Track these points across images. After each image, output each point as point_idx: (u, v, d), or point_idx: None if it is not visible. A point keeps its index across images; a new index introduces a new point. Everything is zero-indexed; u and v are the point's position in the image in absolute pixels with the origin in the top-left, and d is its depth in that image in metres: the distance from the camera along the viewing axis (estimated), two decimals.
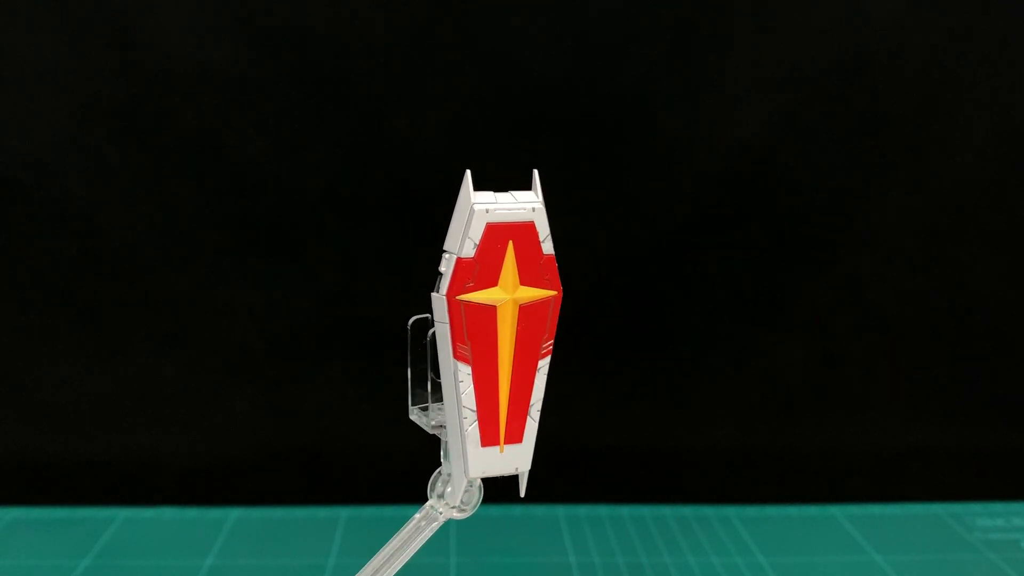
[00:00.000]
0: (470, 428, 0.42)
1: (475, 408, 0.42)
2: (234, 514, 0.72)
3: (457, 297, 0.41)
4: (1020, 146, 0.84)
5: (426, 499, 0.46)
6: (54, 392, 0.82)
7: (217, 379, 0.83)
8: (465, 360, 0.41)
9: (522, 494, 0.45)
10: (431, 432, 0.45)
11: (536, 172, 0.42)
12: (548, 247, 0.43)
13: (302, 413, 0.83)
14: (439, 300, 0.41)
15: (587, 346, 0.85)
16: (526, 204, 0.42)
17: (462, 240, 0.41)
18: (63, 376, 0.82)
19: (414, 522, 0.46)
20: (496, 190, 0.43)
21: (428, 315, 0.44)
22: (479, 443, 0.43)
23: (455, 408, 0.42)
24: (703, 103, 0.81)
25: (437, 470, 0.46)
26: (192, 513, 0.73)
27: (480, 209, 0.41)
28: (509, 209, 0.41)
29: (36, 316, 0.82)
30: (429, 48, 0.80)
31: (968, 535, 0.70)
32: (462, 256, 0.41)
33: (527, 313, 0.42)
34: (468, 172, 0.41)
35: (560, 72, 0.80)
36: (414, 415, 0.45)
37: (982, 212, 0.85)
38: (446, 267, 0.41)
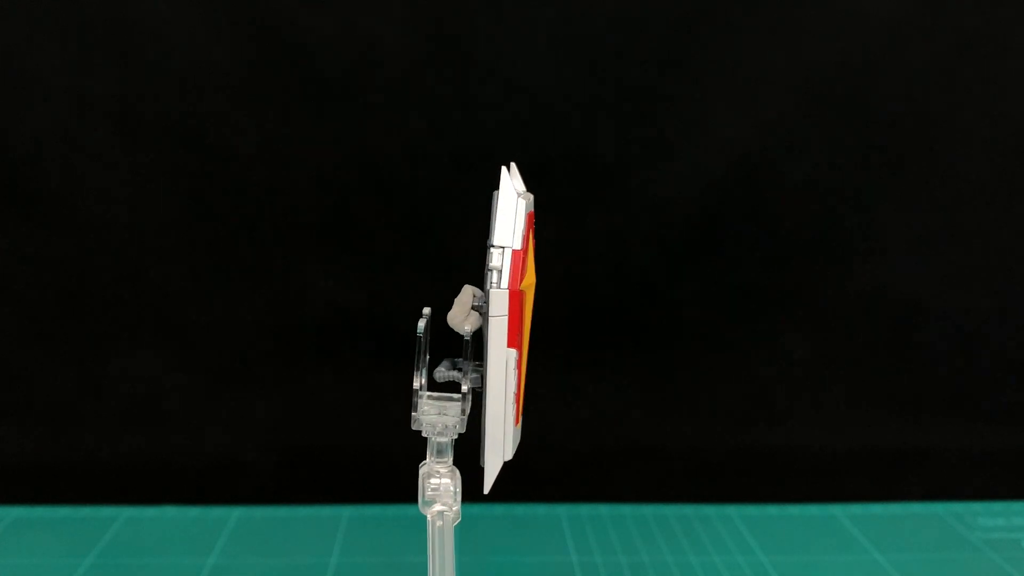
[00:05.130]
0: (511, 412, 0.44)
1: (516, 391, 0.44)
2: (236, 513, 0.72)
3: (519, 287, 0.42)
4: (1021, 147, 0.84)
5: None
6: (55, 391, 0.82)
7: (219, 378, 0.83)
8: (516, 347, 0.43)
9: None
10: (428, 433, 0.46)
11: (513, 164, 0.43)
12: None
13: (304, 412, 0.83)
14: (500, 294, 0.42)
15: (588, 346, 0.85)
16: (527, 194, 0.44)
17: (514, 232, 0.42)
18: (64, 375, 0.82)
19: (434, 535, 0.46)
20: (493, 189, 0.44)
21: (423, 320, 0.45)
22: (514, 423, 0.44)
23: (502, 396, 0.43)
24: (703, 104, 0.82)
25: (422, 479, 0.46)
26: (195, 512, 0.72)
27: (523, 202, 0.42)
28: (528, 200, 0.43)
29: (36, 316, 0.82)
30: (429, 51, 0.80)
31: (969, 534, 0.70)
32: (516, 248, 0.42)
33: (530, 294, 0.44)
34: (504, 168, 0.42)
35: (563, 72, 0.81)
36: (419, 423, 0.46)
37: (983, 213, 0.85)
38: (501, 261, 0.42)
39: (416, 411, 0.45)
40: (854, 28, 0.81)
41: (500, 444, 0.44)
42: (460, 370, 0.45)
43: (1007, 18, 0.82)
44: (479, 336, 0.45)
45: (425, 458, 0.46)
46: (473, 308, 0.44)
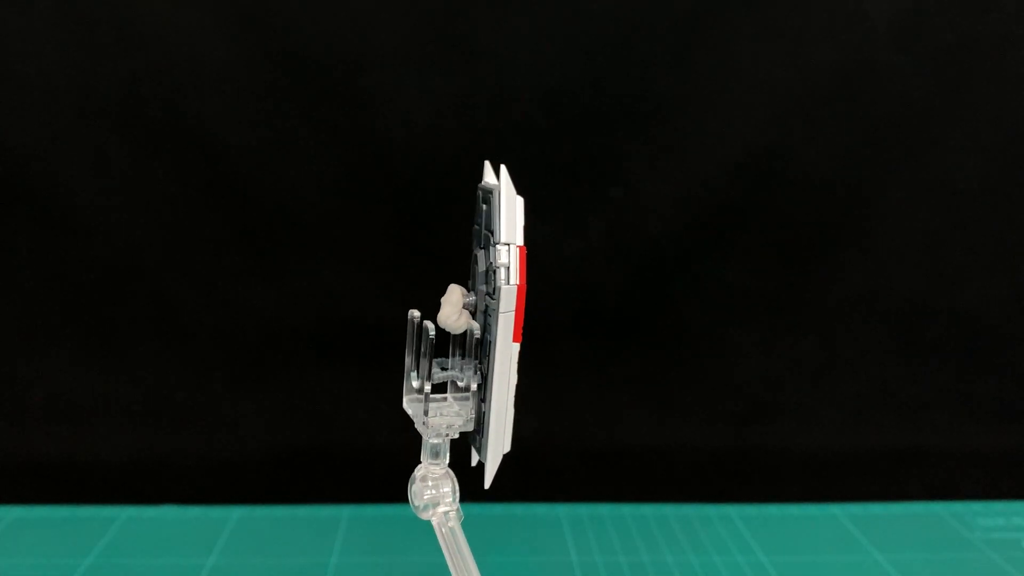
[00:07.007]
0: (512, 406, 0.45)
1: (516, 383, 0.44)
2: (236, 513, 0.72)
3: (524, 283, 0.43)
4: (1021, 146, 0.84)
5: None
6: (55, 391, 0.82)
7: (219, 378, 0.83)
8: (519, 340, 0.44)
9: (475, 463, 0.47)
10: (431, 436, 0.46)
11: (487, 162, 0.43)
12: None
13: (304, 412, 0.83)
14: (510, 290, 0.42)
15: (588, 346, 0.85)
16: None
17: (518, 230, 0.43)
18: (65, 375, 0.82)
19: (446, 536, 0.46)
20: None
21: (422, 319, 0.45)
22: (513, 416, 0.45)
23: (506, 390, 0.44)
24: (705, 104, 0.82)
25: (417, 483, 0.46)
26: (195, 512, 0.73)
27: (520, 200, 0.43)
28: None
29: (37, 316, 0.82)
30: (431, 49, 0.80)
31: (969, 534, 0.70)
32: (521, 244, 0.43)
33: None
34: (504, 167, 0.42)
35: (563, 72, 0.81)
36: (424, 422, 0.46)
37: (983, 213, 0.85)
38: (509, 258, 0.42)
39: (427, 414, 0.45)
40: (854, 28, 0.81)
41: (502, 438, 0.45)
42: (452, 369, 0.45)
43: (1007, 18, 0.82)
44: (465, 334, 0.45)
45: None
46: (464, 307, 0.44)
